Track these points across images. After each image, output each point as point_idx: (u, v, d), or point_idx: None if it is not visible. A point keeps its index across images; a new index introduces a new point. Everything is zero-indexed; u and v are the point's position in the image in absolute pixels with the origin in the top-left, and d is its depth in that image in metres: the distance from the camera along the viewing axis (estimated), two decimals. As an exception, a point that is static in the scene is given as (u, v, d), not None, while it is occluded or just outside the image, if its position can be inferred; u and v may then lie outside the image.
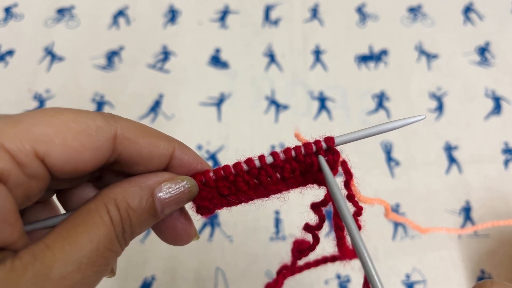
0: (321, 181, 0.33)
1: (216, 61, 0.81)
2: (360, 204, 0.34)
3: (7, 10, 0.86)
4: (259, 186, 0.32)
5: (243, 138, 0.73)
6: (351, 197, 0.33)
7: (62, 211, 0.32)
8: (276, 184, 0.32)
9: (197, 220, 0.33)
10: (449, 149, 0.72)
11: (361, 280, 0.37)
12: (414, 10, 0.86)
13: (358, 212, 0.33)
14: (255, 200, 0.33)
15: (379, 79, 0.79)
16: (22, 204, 0.26)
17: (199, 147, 0.72)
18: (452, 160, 0.71)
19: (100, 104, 0.76)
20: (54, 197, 0.32)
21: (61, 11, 0.86)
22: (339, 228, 0.35)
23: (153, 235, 0.64)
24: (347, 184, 0.33)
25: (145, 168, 0.29)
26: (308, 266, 0.45)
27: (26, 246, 0.24)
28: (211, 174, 0.31)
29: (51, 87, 0.78)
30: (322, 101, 0.76)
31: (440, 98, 0.76)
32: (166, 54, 0.81)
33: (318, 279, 0.62)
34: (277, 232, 0.65)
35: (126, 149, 0.28)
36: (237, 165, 0.31)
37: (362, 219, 0.34)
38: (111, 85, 0.78)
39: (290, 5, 0.87)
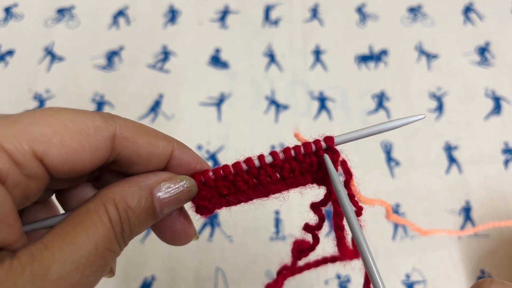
0: (320, 180, 0.33)
1: (216, 61, 0.81)
2: (360, 204, 0.34)
3: (7, 10, 0.86)
4: (258, 185, 0.32)
5: (243, 138, 0.73)
6: (351, 196, 0.33)
7: (62, 211, 0.32)
8: (276, 183, 0.32)
9: (197, 220, 0.33)
10: (449, 149, 0.72)
11: (361, 280, 0.37)
12: (414, 10, 0.86)
13: (358, 212, 0.33)
14: (255, 200, 0.33)
15: (379, 79, 0.78)
16: (21, 204, 0.25)
17: (199, 147, 0.72)
18: (452, 160, 0.71)
19: (100, 104, 0.76)
20: (54, 197, 0.32)
21: (61, 11, 0.86)
22: (339, 228, 0.35)
23: (152, 235, 0.64)
24: (347, 183, 0.33)
25: (144, 167, 0.29)
26: (308, 266, 0.45)
27: (24, 246, 0.24)
28: (211, 173, 0.31)
29: (51, 87, 0.78)
30: (322, 101, 0.76)
31: (440, 98, 0.76)
32: (166, 54, 0.81)
33: (318, 279, 0.62)
34: (277, 232, 0.65)
35: (125, 149, 0.28)
36: (236, 164, 0.31)
37: (362, 219, 0.34)
38: (111, 85, 0.78)
39: (290, 5, 0.87)
